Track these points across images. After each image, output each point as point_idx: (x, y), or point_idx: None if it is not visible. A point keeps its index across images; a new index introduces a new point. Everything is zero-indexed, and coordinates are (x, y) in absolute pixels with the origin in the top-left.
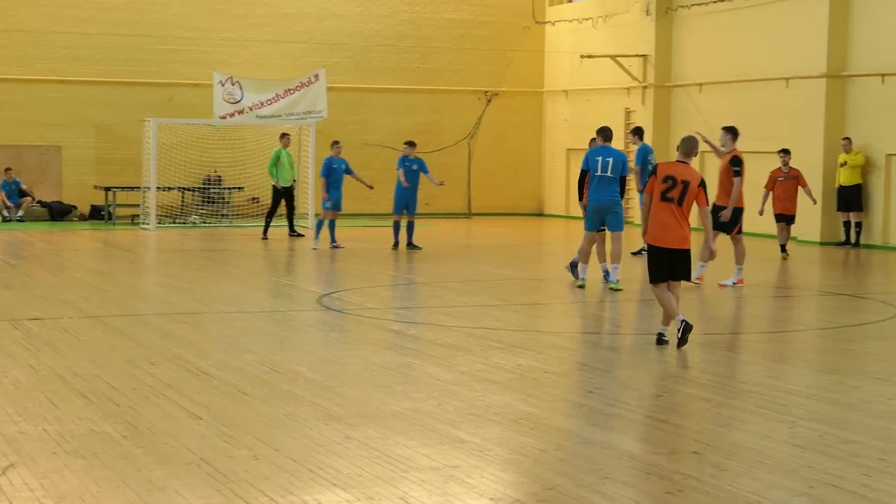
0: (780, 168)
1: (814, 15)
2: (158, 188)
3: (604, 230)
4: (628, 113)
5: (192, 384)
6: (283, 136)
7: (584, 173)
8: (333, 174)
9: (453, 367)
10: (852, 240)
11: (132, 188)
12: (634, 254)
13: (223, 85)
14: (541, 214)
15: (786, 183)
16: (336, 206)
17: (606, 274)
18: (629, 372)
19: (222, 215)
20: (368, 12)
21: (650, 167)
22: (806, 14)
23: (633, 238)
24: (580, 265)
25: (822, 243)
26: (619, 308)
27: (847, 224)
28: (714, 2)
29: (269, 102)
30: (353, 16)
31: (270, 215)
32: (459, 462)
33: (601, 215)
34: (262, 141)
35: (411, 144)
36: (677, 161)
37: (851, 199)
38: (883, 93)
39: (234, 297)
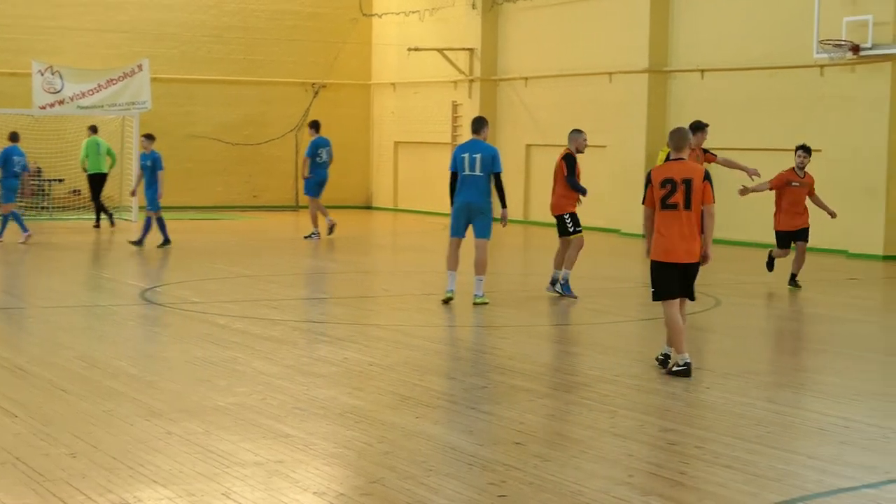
0: (793, 170)
1: (636, 11)
2: None
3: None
4: (455, 106)
5: (7, 381)
6: (93, 127)
7: (453, 175)
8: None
9: (279, 360)
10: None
11: None
12: (307, 237)
13: (42, 74)
14: (369, 207)
15: (799, 189)
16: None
17: (554, 282)
18: (454, 364)
19: (42, 208)
20: (194, 2)
21: (320, 160)
22: (628, 10)
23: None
24: (448, 273)
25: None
26: (448, 303)
27: None
28: None
29: (90, 93)
30: (179, 6)
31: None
32: (284, 457)
33: (468, 217)
34: (84, 132)
35: (149, 138)
36: (671, 160)
37: None
38: (702, 87)
39: (52, 291)
